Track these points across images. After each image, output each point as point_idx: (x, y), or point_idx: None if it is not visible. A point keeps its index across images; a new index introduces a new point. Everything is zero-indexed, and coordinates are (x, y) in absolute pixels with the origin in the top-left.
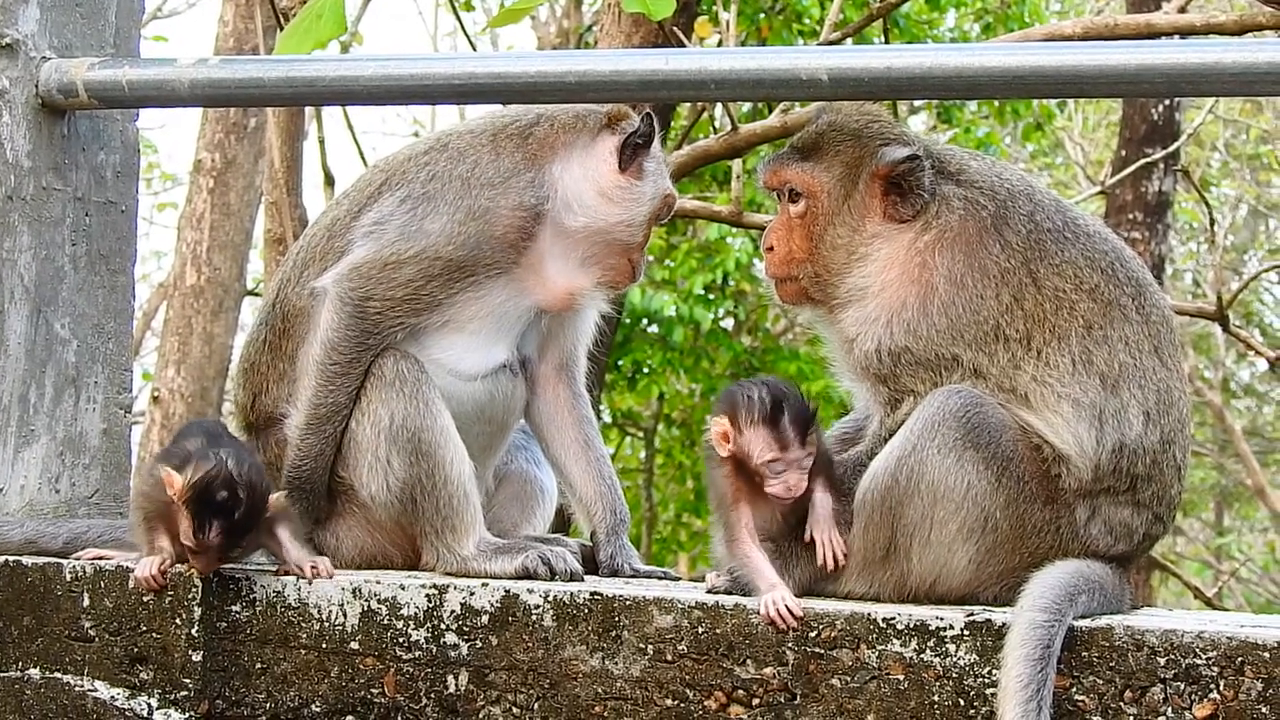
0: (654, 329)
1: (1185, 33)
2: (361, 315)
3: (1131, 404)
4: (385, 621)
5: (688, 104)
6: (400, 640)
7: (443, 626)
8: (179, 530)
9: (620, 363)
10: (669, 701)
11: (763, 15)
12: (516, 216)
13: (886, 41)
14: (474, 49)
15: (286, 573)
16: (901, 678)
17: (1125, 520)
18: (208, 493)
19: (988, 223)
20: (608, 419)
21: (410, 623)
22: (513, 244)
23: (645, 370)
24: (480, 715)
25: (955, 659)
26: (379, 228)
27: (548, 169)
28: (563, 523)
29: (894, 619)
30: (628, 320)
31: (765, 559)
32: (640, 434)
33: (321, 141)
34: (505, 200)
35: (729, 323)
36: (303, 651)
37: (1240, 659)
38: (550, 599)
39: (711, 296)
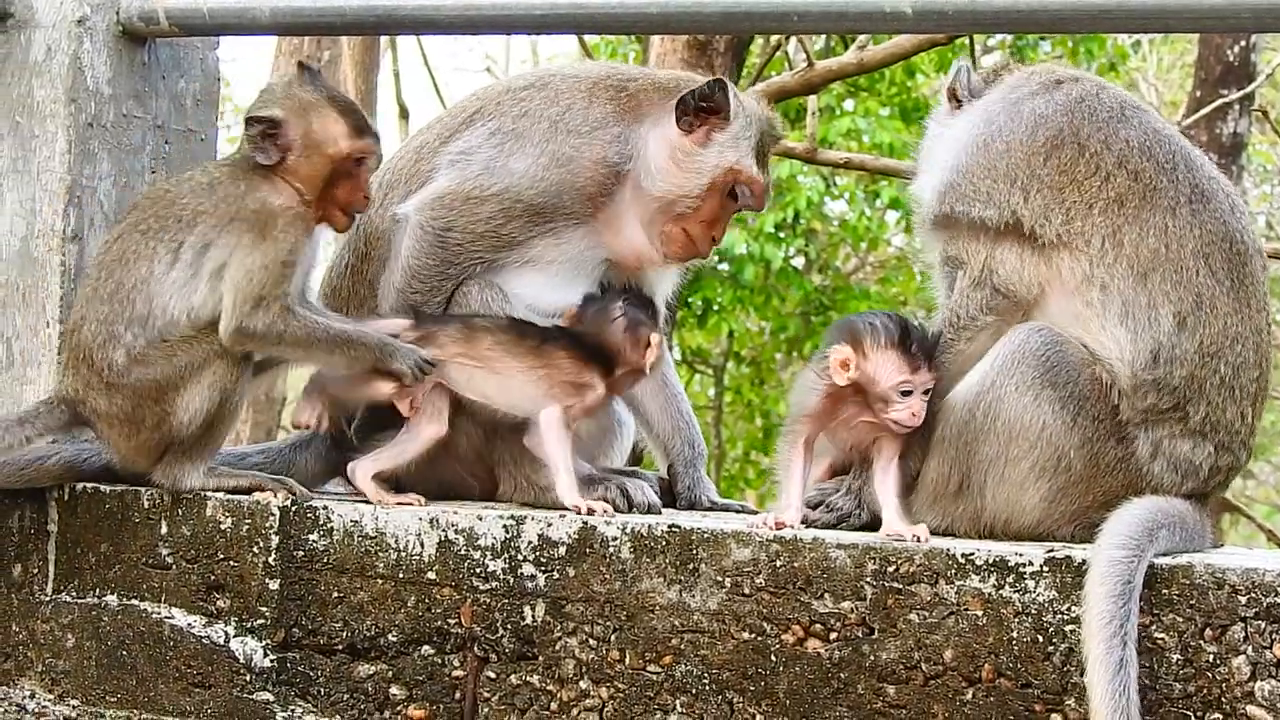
0: (724, 266)
1: None
2: (442, 245)
3: (1161, 301)
4: (462, 552)
5: (760, 41)
6: (477, 571)
7: (520, 557)
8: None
9: (690, 300)
10: (746, 635)
11: None
12: (598, 171)
13: None
14: None
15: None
16: (980, 613)
17: (1186, 455)
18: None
19: (1030, 91)
20: (677, 356)
21: (488, 553)
22: (591, 197)
23: (715, 308)
24: (557, 646)
25: (1034, 595)
26: (465, 158)
27: (637, 128)
28: (636, 460)
29: (973, 554)
30: None
31: (801, 480)
32: (710, 371)
33: (396, 75)
34: (589, 152)
35: (799, 261)
36: (379, 581)
37: None
38: (628, 531)
39: (782, 234)
